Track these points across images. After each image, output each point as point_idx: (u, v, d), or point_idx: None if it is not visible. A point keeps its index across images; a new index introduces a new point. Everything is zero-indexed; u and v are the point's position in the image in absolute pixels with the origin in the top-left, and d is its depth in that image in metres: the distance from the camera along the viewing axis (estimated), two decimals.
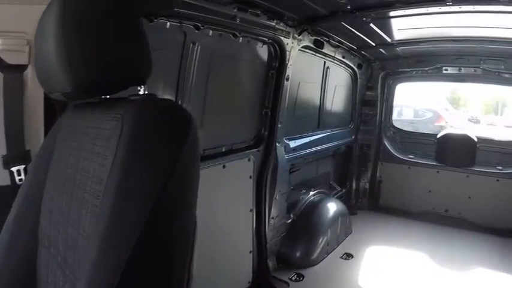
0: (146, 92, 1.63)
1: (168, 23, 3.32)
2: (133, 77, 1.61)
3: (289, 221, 5.56)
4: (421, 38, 5.97)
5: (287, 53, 4.73)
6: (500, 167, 7.47)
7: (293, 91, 5.30)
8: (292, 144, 5.41)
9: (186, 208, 1.42)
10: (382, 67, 7.75)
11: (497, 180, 7.34)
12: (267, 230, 4.96)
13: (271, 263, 5.19)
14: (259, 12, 4.03)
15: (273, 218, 5.05)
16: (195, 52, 3.67)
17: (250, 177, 4.77)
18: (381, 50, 6.65)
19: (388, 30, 5.52)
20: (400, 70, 7.79)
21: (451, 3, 3.78)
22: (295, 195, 5.82)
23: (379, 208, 8.06)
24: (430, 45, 6.34)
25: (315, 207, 5.97)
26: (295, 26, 4.66)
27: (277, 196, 5.03)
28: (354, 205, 8.01)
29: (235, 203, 4.57)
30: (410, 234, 7.03)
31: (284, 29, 4.53)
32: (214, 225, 4.19)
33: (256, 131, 4.87)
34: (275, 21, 4.33)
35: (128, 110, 1.45)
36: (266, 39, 4.51)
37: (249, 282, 4.84)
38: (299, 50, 4.97)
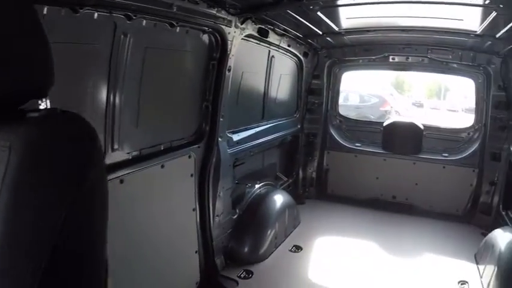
0: (48, 107, 1.34)
1: (96, 13, 2.98)
2: (28, 90, 1.28)
3: (235, 216, 5.39)
4: (369, 27, 5.91)
5: (229, 42, 4.49)
6: (446, 154, 7.68)
7: (236, 82, 5.08)
8: (236, 137, 5.21)
9: (92, 248, 1.19)
10: (329, 55, 7.70)
11: (444, 167, 7.55)
12: (212, 228, 4.77)
13: (219, 261, 5.02)
14: None
15: (217, 215, 4.86)
16: (126, 44, 3.34)
17: (192, 175, 4.53)
18: (327, 38, 6.56)
19: (335, 19, 5.40)
20: (346, 58, 7.77)
21: None
22: (241, 189, 5.65)
23: (327, 197, 8.06)
24: (378, 34, 6.32)
25: (261, 200, 5.84)
26: (237, 14, 4.42)
27: (221, 193, 4.84)
28: (301, 195, 7.97)
29: (176, 203, 4.33)
30: (358, 222, 7.08)
31: (226, 17, 4.28)
32: (156, 228, 3.95)
33: (196, 126, 4.62)
34: (216, 9, 4.07)
35: (17, 137, 1.16)
36: (206, 29, 4.24)
37: (196, 283, 4.65)
38: (242, 39, 4.75)
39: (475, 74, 7.35)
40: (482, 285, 5.22)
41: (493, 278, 4.95)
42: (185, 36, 4.08)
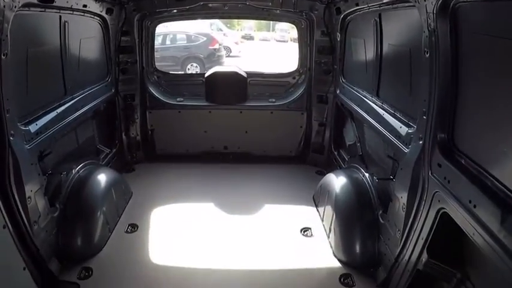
0: None
1: None
2: None
3: (57, 213, 4.77)
4: None
5: None
6: (273, 100, 7.85)
7: (21, 63, 4.29)
8: (34, 127, 4.42)
9: None
10: (138, 8, 7.07)
11: (272, 113, 7.75)
12: (33, 237, 4.15)
13: (54, 267, 4.53)
14: None
15: (35, 221, 4.22)
16: None
17: None
18: None
19: None
20: (157, 10, 7.22)
21: None
22: (55, 180, 4.98)
23: (156, 158, 7.83)
24: None
25: (82, 186, 5.30)
26: None
27: (31, 196, 4.15)
28: (129, 162, 7.60)
29: None
30: (193, 180, 7.02)
31: None
32: None
33: None
34: None
35: None
36: None
37: None
38: (18, 11, 3.85)
39: (297, 19, 7.53)
40: (325, 229, 5.50)
41: (333, 222, 5.22)
42: None
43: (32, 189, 4.21)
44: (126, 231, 5.49)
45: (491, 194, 2.73)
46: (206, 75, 7.85)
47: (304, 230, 5.56)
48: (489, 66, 2.95)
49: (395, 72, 4.93)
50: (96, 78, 6.45)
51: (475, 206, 2.84)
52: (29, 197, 4.13)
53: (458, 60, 3.30)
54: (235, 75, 7.80)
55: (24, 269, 4.01)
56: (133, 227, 5.57)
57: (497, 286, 2.91)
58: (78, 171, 5.47)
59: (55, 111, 4.95)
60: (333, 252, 5.07)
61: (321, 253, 5.11)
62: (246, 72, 7.89)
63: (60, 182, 5.09)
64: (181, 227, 5.60)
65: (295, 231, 5.54)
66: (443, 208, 3.31)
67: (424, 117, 3.68)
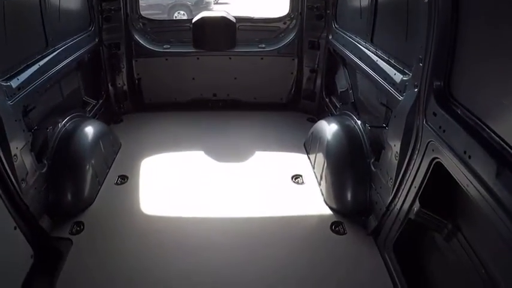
0: None
1: None
2: None
3: (45, 169, 4.70)
4: None
5: None
6: (263, 45, 7.62)
7: None
8: (16, 82, 4.24)
9: None
10: None
11: (262, 59, 7.54)
12: (22, 196, 4.08)
13: (45, 223, 4.49)
14: None
15: (23, 179, 4.14)
16: None
17: None
18: None
19: None
20: None
21: None
22: (42, 136, 4.86)
23: (144, 107, 7.69)
24: None
25: (69, 139, 5.21)
26: None
27: (17, 154, 4.05)
28: (117, 112, 7.47)
29: None
30: (182, 129, 6.96)
31: None
32: None
33: None
34: None
35: None
36: None
37: (32, 256, 4.08)
38: None
39: None
40: (316, 177, 5.49)
41: (324, 170, 5.20)
42: None
43: (17, 146, 4.10)
44: (116, 183, 5.45)
45: (487, 146, 2.66)
46: (193, 20, 7.58)
47: (295, 177, 5.55)
48: (491, 12, 2.81)
49: (391, 17, 4.76)
50: (78, 28, 6.21)
51: (469, 157, 2.79)
52: (15, 155, 4.03)
53: (458, 5, 3.13)
54: (223, 20, 7.55)
55: (15, 228, 3.96)
56: (123, 179, 5.52)
57: (489, 238, 2.90)
58: (64, 124, 5.36)
59: (37, 64, 4.76)
60: (324, 200, 5.08)
61: (312, 201, 5.12)
62: (235, 17, 7.64)
63: (47, 137, 4.98)
64: (172, 176, 5.58)
65: (286, 178, 5.53)
66: (437, 158, 3.27)
67: (420, 64, 3.55)
